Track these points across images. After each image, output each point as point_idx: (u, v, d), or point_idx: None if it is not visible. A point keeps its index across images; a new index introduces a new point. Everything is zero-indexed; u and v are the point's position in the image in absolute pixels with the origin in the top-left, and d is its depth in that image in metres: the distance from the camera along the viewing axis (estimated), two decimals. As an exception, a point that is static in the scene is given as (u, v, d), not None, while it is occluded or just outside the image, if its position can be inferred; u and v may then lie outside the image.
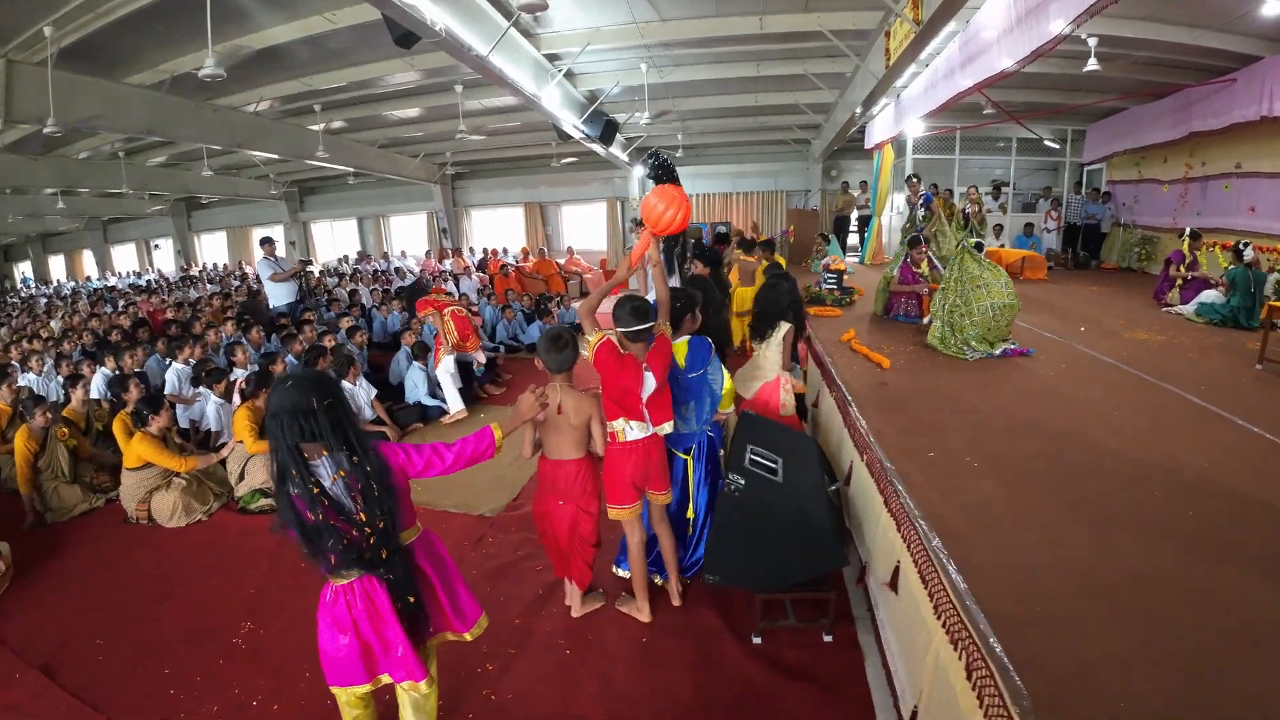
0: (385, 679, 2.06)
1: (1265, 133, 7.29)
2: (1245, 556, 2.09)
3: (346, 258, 14.97)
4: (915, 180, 9.10)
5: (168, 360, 5.88)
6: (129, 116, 7.23)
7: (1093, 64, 6.95)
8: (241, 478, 4.18)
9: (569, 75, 7.87)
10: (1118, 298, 7.35)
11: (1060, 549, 2.17)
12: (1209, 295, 6.12)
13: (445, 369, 5.57)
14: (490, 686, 2.62)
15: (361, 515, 1.82)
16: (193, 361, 5.69)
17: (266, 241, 7.54)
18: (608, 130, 9.54)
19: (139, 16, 5.57)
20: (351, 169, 12.23)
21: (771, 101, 10.04)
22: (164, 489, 3.98)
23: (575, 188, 14.47)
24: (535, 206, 14.55)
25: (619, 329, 2.71)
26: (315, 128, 10.12)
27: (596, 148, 10.60)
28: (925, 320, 5.44)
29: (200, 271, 16.59)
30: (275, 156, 10.65)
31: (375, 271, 12.68)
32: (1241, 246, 6.10)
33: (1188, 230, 6.95)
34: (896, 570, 2.46)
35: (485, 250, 14.10)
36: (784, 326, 3.78)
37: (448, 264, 13.53)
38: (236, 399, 4.57)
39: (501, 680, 2.65)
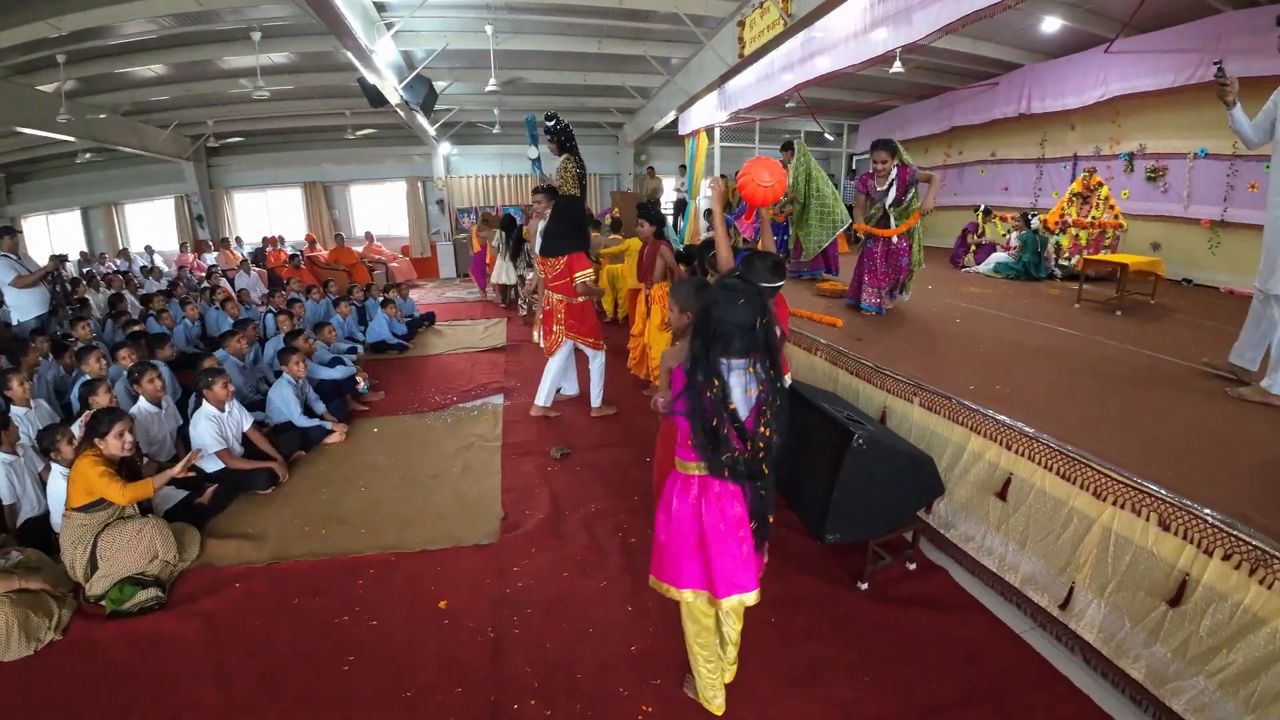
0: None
1: (1017, 127, 9.17)
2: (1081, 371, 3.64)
3: (101, 256, 11.00)
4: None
5: None
6: None
7: (897, 67, 8.10)
8: (93, 566, 2.87)
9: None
10: (915, 264, 8.83)
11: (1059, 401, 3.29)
12: (1000, 256, 7.68)
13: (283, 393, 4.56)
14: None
15: (764, 429, 1.81)
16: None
17: (6, 233, 5.28)
18: (429, 99, 8.55)
19: None
20: (87, 143, 9.25)
21: (600, 81, 9.87)
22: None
23: (367, 165, 12.59)
24: (318, 187, 12.38)
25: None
26: (47, 88, 7.45)
27: (421, 120, 9.44)
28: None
29: None
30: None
31: (113, 272, 9.48)
32: (1031, 217, 7.71)
33: (981, 206, 8.53)
34: (1007, 483, 2.85)
35: (263, 240, 11.67)
36: None
37: (211, 258, 10.98)
38: (66, 448, 3.13)
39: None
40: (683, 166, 13.54)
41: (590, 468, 4.10)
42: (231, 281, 9.24)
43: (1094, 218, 7.45)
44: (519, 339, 7.63)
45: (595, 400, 5.04)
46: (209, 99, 9.63)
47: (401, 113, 8.81)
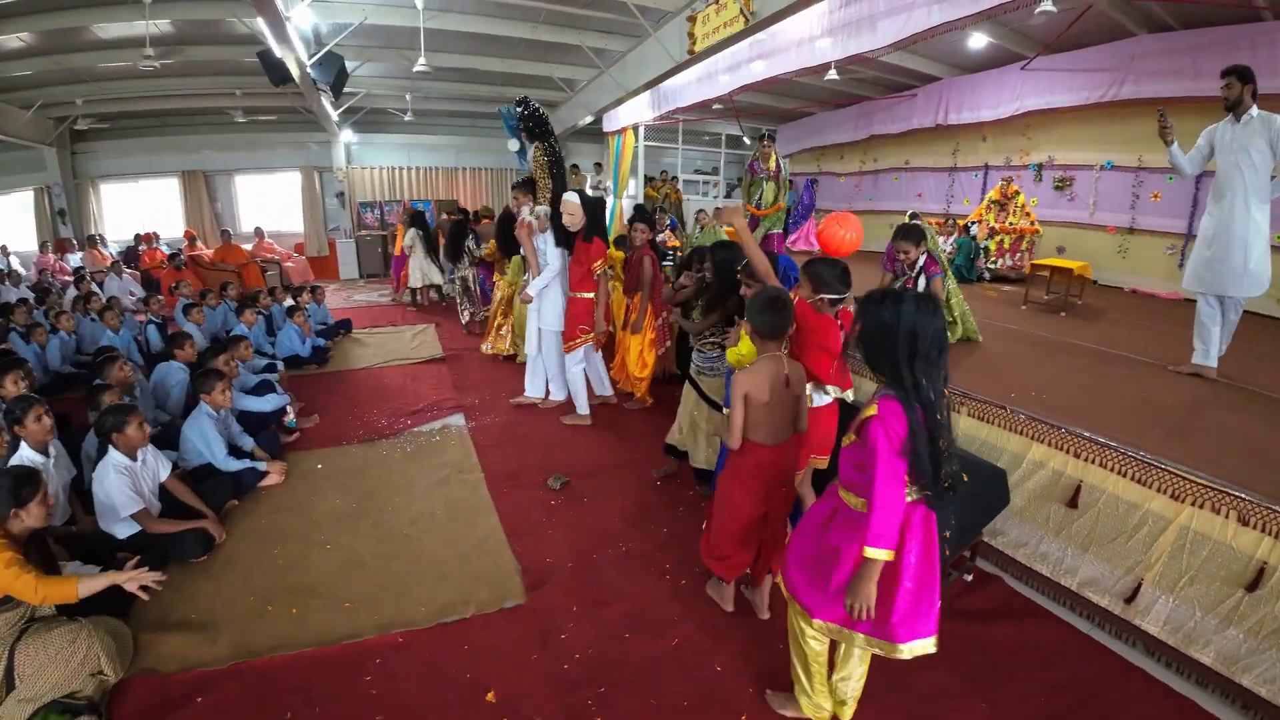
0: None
1: (931, 137, 9.53)
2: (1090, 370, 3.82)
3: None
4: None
5: None
6: None
7: (833, 74, 8.13)
8: (9, 684, 1.96)
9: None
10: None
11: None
12: None
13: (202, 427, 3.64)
14: None
15: (942, 444, 1.64)
16: None
17: None
18: (339, 79, 7.52)
19: None
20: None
21: (525, 70, 9.17)
22: None
23: (256, 153, 10.94)
24: (198, 176, 10.57)
25: (822, 294, 2.51)
26: None
27: (326, 103, 8.28)
28: None
29: None
30: None
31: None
32: (971, 224, 7.98)
33: (909, 212, 8.74)
34: (1077, 490, 2.81)
35: (135, 237, 9.78)
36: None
37: (76, 258, 9.08)
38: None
39: None
40: (599, 164, 13.11)
41: (598, 497, 3.58)
42: (100, 286, 7.67)
43: (1012, 224, 7.88)
44: (457, 347, 6.86)
45: (581, 407, 4.63)
46: (79, 74, 7.91)
47: (306, 94, 7.69)
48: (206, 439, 3.57)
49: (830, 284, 2.53)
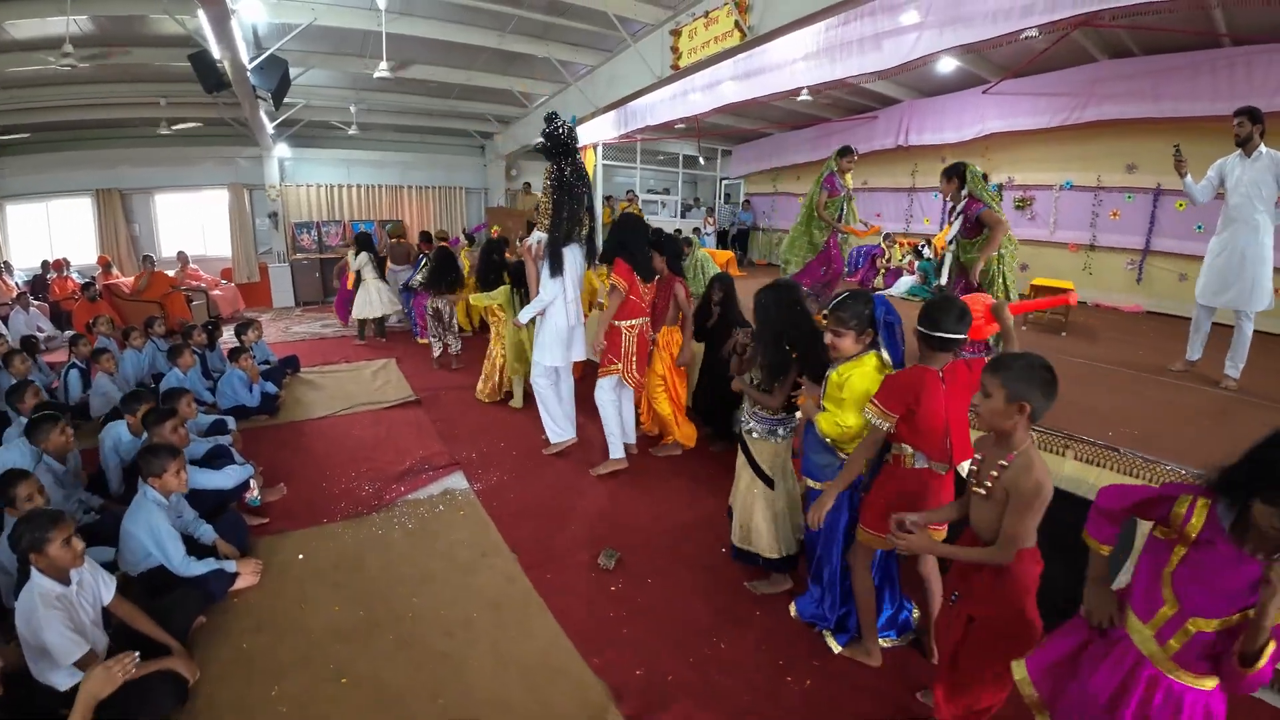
0: None
1: (891, 158, 9.49)
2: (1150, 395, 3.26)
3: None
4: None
5: None
6: None
7: (805, 95, 7.90)
8: None
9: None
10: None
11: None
12: (908, 280, 7.81)
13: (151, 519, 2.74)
14: None
15: None
16: None
17: None
18: (282, 86, 6.56)
19: None
20: None
21: (485, 83, 8.46)
22: None
23: (180, 168, 9.45)
24: (114, 195, 8.99)
25: (935, 332, 2.03)
26: None
27: (263, 114, 7.25)
28: None
29: None
30: None
31: None
32: (921, 247, 7.86)
33: (884, 232, 8.60)
34: None
35: (43, 264, 8.15)
36: None
37: None
38: None
39: None
40: (555, 183, 12.45)
41: (662, 575, 2.96)
42: (4, 321, 6.32)
43: (981, 242, 7.87)
44: (431, 386, 6.03)
45: (615, 450, 4.09)
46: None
47: (243, 102, 6.68)
48: (158, 537, 2.70)
49: (941, 321, 2.04)
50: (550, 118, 3.91)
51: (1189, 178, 3.83)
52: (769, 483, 2.72)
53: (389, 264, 8.35)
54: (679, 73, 6.36)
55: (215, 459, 3.54)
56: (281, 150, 10.00)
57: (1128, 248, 7.34)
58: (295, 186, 10.60)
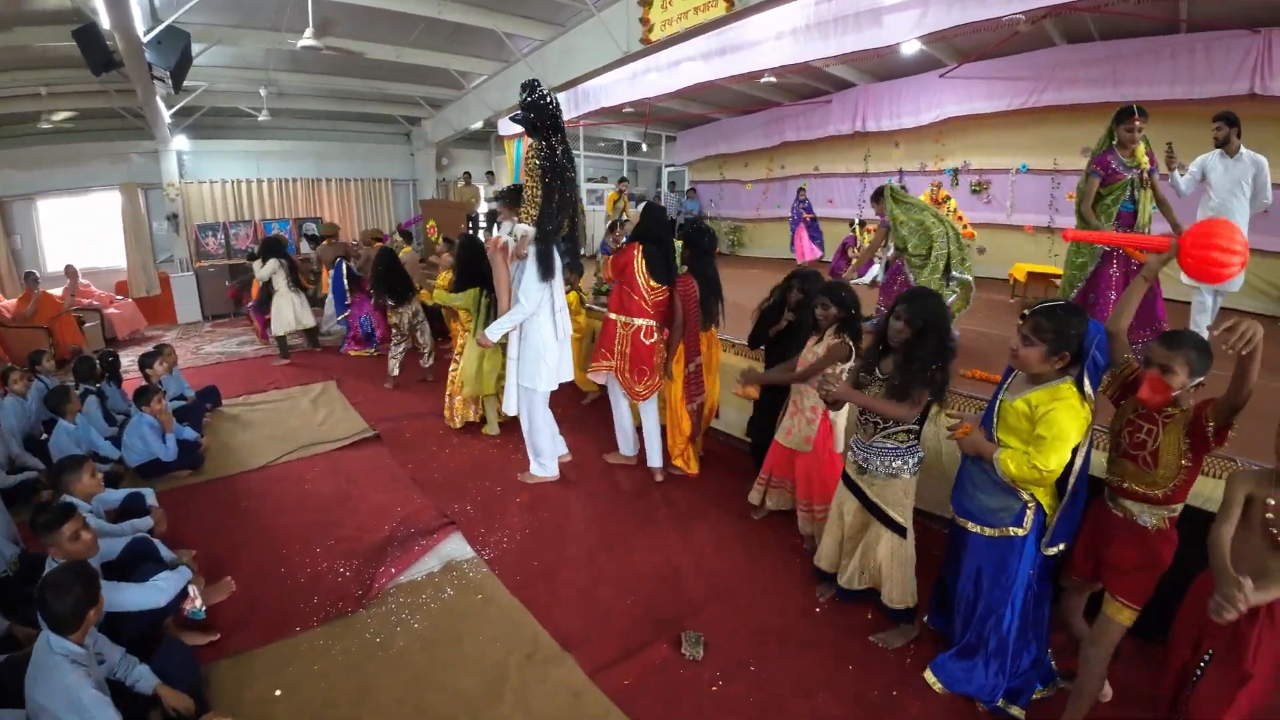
0: None
1: (844, 143, 9.14)
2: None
3: None
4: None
5: None
6: None
7: (769, 77, 7.37)
8: None
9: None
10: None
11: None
12: (876, 269, 7.50)
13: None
14: None
15: None
16: None
17: None
18: (182, 64, 5.29)
19: None
20: None
21: (417, 61, 7.34)
22: None
23: (63, 169, 7.62)
24: None
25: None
26: None
27: (159, 99, 5.86)
28: None
29: None
30: None
31: None
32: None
33: (856, 219, 8.21)
34: None
35: None
36: None
37: None
38: None
39: None
40: (490, 173, 11.41)
41: (762, 658, 2.32)
42: None
43: (946, 229, 7.66)
44: (388, 415, 5.07)
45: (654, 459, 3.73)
46: None
47: (137, 86, 5.35)
48: (79, 708, 1.79)
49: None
50: (531, 85, 3.26)
51: (1177, 173, 3.95)
52: (901, 532, 2.27)
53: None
54: (649, 47, 5.64)
55: (139, 561, 2.57)
56: (180, 143, 8.41)
57: (1085, 229, 7.32)
58: (197, 184, 9.00)
